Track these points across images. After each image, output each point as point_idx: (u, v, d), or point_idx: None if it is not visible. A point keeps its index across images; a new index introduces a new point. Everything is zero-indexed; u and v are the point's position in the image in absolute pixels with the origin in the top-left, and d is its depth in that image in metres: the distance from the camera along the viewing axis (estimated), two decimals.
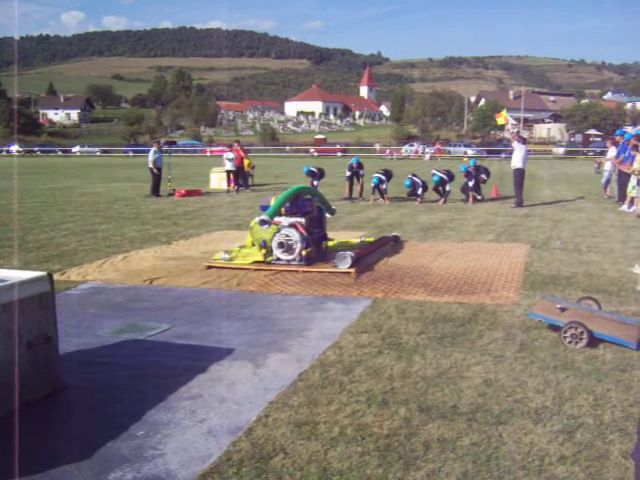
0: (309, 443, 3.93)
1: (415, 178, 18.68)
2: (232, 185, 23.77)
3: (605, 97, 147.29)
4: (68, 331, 5.96)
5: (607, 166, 20.10)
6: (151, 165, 21.85)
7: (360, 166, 20.44)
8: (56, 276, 7.75)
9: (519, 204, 17.09)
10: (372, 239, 10.95)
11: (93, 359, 5.51)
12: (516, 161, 17.33)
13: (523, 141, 18.54)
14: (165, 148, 24.83)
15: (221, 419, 4.30)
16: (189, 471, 3.63)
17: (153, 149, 22.55)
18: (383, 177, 18.86)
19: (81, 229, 13.47)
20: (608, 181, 19.86)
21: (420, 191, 18.53)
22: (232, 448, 3.88)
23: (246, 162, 24.96)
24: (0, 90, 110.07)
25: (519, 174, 17.29)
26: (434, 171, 19.12)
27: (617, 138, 19.62)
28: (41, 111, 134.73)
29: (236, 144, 26.08)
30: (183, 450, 3.88)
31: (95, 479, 3.56)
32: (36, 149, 79.05)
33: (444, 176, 18.59)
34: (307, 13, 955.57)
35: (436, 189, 18.82)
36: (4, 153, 75.53)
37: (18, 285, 4.35)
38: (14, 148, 75.71)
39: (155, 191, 21.63)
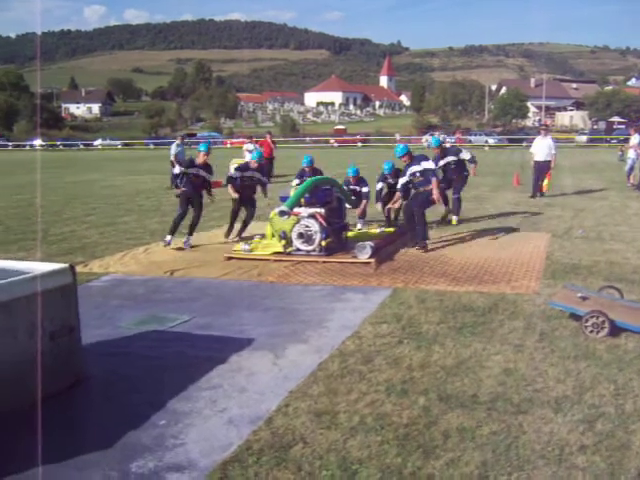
0: (329, 432, 3.95)
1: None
2: None
3: (629, 83, 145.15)
4: (90, 322, 6.02)
5: (630, 154, 19.83)
6: (172, 158, 21.95)
7: (360, 181, 11.47)
8: (78, 268, 7.81)
9: (533, 195, 16.82)
10: (392, 230, 10.93)
11: (115, 350, 5.58)
12: (542, 153, 17.15)
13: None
14: (186, 140, 24.90)
15: (241, 409, 4.33)
16: (210, 460, 3.67)
17: (176, 142, 22.74)
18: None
19: (103, 222, 13.60)
20: (632, 169, 19.58)
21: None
22: (252, 437, 3.91)
23: None
24: (23, 85, 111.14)
25: (543, 165, 17.14)
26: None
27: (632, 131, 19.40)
28: (63, 105, 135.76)
29: (267, 135, 26.00)
30: (204, 439, 3.92)
31: (117, 467, 3.61)
32: (58, 143, 79.64)
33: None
34: (326, 3, 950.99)
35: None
36: (27, 147, 76.25)
37: (41, 277, 4.41)
38: (37, 142, 76.41)
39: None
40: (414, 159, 9.97)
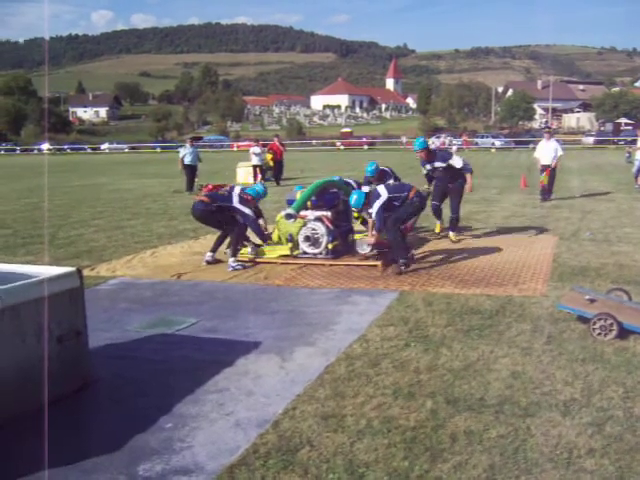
0: (335, 435, 3.94)
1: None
2: (258, 179, 23.88)
3: (636, 84, 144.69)
4: (97, 326, 6.03)
5: (638, 155, 19.74)
6: (179, 161, 22.26)
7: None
8: (86, 272, 7.86)
9: (544, 199, 16.69)
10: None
11: (122, 353, 5.59)
12: (548, 156, 16.99)
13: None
14: (195, 144, 25.15)
15: (248, 412, 4.33)
16: (217, 463, 3.67)
17: (184, 145, 23.18)
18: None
19: (110, 225, 13.63)
20: (639, 170, 19.48)
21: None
22: (259, 440, 3.91)
23: (268, 156, 25.02)
24: (31, 90, 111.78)
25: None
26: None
27: None
28: (70, 109, 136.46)
29: (275, 138, 26.31)
30: (211, 442, 3.92)
31: (125, 471, 3.62)
32: (66, 147, 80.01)
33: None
34: (333, 6, 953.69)
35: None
36: (35, 151, 76.63)
37: (48, 281, 4.42)
38: (45, 146, 76.78)
39: (189, 187, 21.81)
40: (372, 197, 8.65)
